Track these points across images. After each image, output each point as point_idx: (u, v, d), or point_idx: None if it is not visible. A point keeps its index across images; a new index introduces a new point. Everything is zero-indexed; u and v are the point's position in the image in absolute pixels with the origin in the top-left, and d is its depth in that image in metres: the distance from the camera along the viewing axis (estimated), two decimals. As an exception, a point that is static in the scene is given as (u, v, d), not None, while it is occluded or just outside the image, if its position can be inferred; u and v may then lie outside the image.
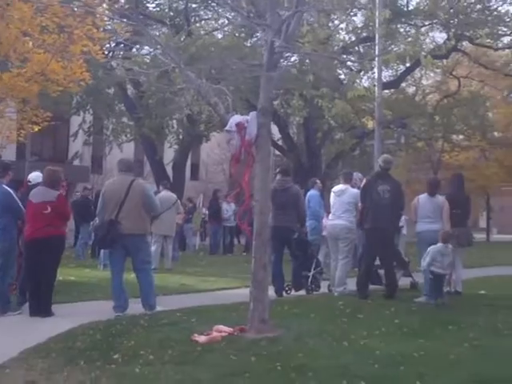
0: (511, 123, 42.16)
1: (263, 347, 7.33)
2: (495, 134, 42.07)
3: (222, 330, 8.10)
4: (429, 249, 11.06)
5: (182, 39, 22.67)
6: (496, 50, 37.41)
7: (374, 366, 6.54)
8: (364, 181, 12.79)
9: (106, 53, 24.29)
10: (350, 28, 27.58)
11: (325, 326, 8.62)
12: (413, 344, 7.61)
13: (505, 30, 33.97)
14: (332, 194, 12.62)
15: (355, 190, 12.47)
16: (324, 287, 12.71)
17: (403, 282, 12.89)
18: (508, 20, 32.62)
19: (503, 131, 42.19)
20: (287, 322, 8.75)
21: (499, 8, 33.60)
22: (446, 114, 38.13)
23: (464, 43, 35.71)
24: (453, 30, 31.48)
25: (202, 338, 7.66)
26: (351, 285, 12.11)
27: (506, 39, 35.67)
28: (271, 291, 10.14)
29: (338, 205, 12.36)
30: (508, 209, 58.57)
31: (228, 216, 24.85)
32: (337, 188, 12.66)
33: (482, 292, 12.71)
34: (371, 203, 11.60)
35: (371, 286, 11.98)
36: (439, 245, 11.05)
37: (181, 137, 30.90)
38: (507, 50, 37.47)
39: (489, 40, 35.57)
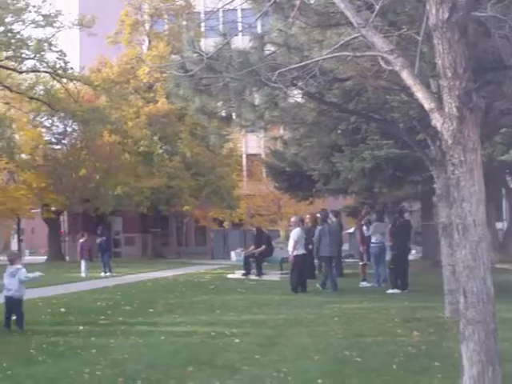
0: (38, 146, 42.57)
1: None
2: (23, 156, 41.98)
3: None
4: None
5: None
6: (20, 73, 37.46)
7: None
8: None
9: None
10: None
11: None
12: None
13: (28, 53, 34.23)
14: None
15: None
16: None
17: None
18: (31, 44, 32.93)
19: (31, 153, 42.34)
20: None
21: (22, 32, 33.78)
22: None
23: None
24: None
25: None
26: None
27: (29, 63, 36.00)
28: None
29: None
30: (38, 230, 58.97)
31: None
32: None
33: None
34: None
35: None
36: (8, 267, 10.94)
37: None
38: (31, 74, 37.79)
39: (13, 62, 35.52)
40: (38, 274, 11.44)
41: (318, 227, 18.55)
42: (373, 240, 18.54)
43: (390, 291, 16.91)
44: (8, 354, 8.64)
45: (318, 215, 19.63)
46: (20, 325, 10.70)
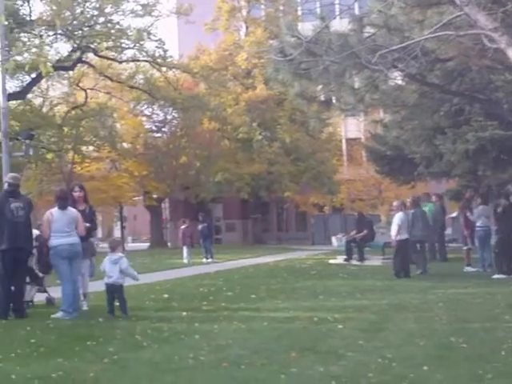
0: (139, 134, 43.54)
1: None
2: (124, 144, 42.98)
3: None
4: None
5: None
6: (120, 63, 38.30)
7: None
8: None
9: None
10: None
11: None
12: (51, 364, 7.25)
13: (128, 43, 34.88)
14: None
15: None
16: None
17: (39, 298, 12.38)
18: (130, 34, 33.53)
19: (132, 142, 43.34)
20: None
21: (121, 22, 34.46)
22: (74, 125, 38.05)
23: (89, 55, 35.96)
24: (77, 42, 31.46)
25: None
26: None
27: (129, 52, 36.74)
28: None
29: None
30: (140, 217, 60.46)
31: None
32: None
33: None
34: (6, 222, 10.79)
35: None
36: (110, 254, 11.06)
37: None
38: (131, 63, 38.58)
39: (113, 53, 36.36)
40: (137, 276, 11.57)
41: (410, 211, 18.18)
42: (478, 224, 18.06)
43: (496, 276, 16.40)
44: (114, 339, 8.82)
45: (411, 199, 19.25)
46: (123, 310, 10.92)
